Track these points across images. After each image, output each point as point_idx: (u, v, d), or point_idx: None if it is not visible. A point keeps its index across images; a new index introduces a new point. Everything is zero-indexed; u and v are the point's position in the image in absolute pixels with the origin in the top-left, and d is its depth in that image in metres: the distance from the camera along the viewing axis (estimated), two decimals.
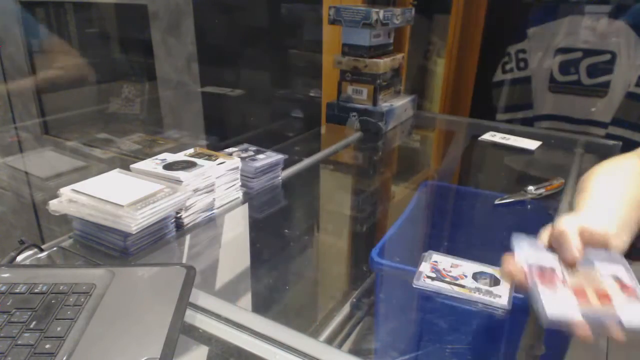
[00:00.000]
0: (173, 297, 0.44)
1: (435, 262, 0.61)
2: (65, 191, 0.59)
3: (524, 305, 0.52)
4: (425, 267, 0.59)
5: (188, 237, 0.66)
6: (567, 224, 0.43)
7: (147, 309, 0.43)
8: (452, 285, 0.56)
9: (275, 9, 1.68)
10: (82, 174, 1.87)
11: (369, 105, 1.14)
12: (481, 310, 0.53)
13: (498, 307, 0.52)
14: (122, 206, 0.56)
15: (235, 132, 1.80)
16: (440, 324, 0.58)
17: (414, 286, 0.56)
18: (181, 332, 0.41)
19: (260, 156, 0.80)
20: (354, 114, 1.15)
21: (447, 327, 0.57)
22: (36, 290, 0.44)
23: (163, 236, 0.62)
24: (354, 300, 0.68)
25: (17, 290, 0.44)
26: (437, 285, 0.56)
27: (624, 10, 1.45)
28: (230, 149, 0.82)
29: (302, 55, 1.66)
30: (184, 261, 0.64)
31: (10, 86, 1.92)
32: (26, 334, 0.39)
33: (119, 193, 0.59)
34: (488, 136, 1.12)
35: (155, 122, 1.77)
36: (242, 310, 0.48)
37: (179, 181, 0.64)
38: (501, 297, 0.53)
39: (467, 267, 0.60)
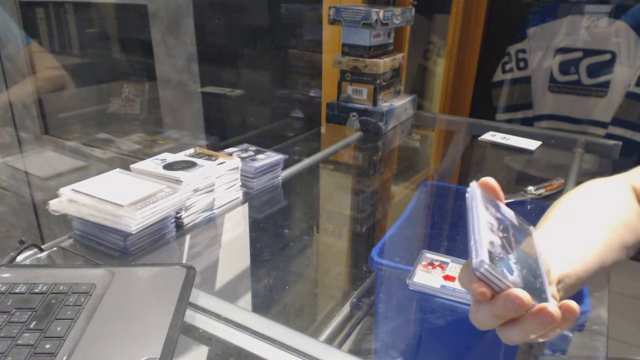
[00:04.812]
0: (173, 297, 0.44)
1: (430, 261, 0.61)
2: (65, 191, 0.59)
3: None
4: (419, 267, 0.59)
5: (188, 237, 0.66)
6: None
7: (147, 309, 0.43)
8: (444, 286, 0.56)
9: (275, 9, 1.68)
10: (82, 174, 1.87)
11: (369, 105, 1.14)
12: None
13: None
14: (122, 206, 0.56)
15: (235, 132, 1.80)
16: (440, 324, 0.58)
17: (406, 283, 0.57)
18: (181, 332, 0.41)
19: (260, 156, 0.80)
20: (354, 114, 1.15)
21: (447, 326, 0.57)
22: (36, 290, 0.44)
23: (163, 236, 0.62)
24: (354, 300, 0.68)
25: (17, 290, 0.44)
26: (430, 285, 0.56)
27: (624, 10, 1.46)
28: (230, 149, 0.82)
29: (302, 55, 1.66)
30: (184, 261, 0.64)
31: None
32: (26, 334, 0.39)
33: (119, 193, 0.59)
34: (488, 136, 1.12)
35: (155, 122, 1.77)
36: (242, 310, 0.48)
37: (179, 181, 0.64)
38: None
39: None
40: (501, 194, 0.40)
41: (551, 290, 0.36)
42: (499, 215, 0.38)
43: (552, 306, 0.33)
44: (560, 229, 0.47)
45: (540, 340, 0.36)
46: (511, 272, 0.34)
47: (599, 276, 0.47)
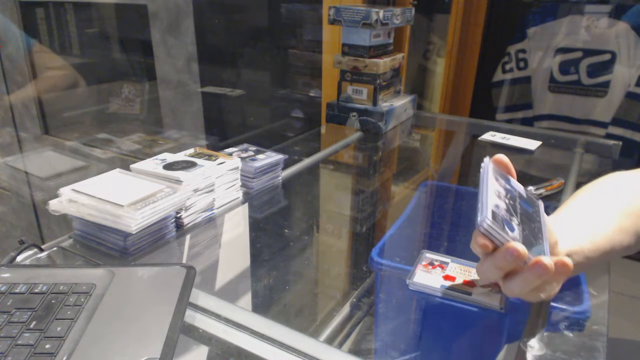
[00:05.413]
0: (173, 297, 0.44)
1: (430, 261, 0.61)
2: (65, 191, 0.59)
3: (523, 305, 0.52)
4: (419, 267, 0.59)
5: (188, 237, 0.66)
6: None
7: (147, 309, 0.43)
8: (445, 286, 0.56)
9: (275, 9, 1.68)
10: (82, 174, 1.87)
11: (369, 105, 1.14)
12: (480, 310, 0.53)
13: (490, 308, 0.52)
14: (122, 206, 0.56)
15: (235, 132, 1.80)
16: (440, 324, 0.58)
17: (407, 283, 0.57)
18: (181, 332, 0.41)
19: (260, 156, 0.80)
20: (354, 114, 1.15)
21: (447, 326, 0.57)
22: (36, 290, 0.44)
23: (163, 236, 0.62)
24: (354, 300, 0.68)
25: (17, 290, 0.44)
26: (430, 285, 0.56)
27: (624, 10, 1.45)
28: (230, 149, 0.82)
29: (302, 55, 1.66)
30: (184, 261, 0.64)
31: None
32: (26, 334, 0.39)
33: (119, 193, 0.59)
34: (488, 136, 1.12)
35: (155, 122, 1.77)
36: (242, 310, 0.48)
37: (179, 181, 0.64)
38: (496, 296, 0.53)
39: (462, 267, 0.60)
40: (512, 170, 0.45)
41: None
42: (507, 186, 0.43)
43: (546, 259, 0.38)
44: (574, 211, 0.51)
45: (542, 296, 0.40)
46: (512, 229, 0.39)
47: (611, 259, 0.50)
